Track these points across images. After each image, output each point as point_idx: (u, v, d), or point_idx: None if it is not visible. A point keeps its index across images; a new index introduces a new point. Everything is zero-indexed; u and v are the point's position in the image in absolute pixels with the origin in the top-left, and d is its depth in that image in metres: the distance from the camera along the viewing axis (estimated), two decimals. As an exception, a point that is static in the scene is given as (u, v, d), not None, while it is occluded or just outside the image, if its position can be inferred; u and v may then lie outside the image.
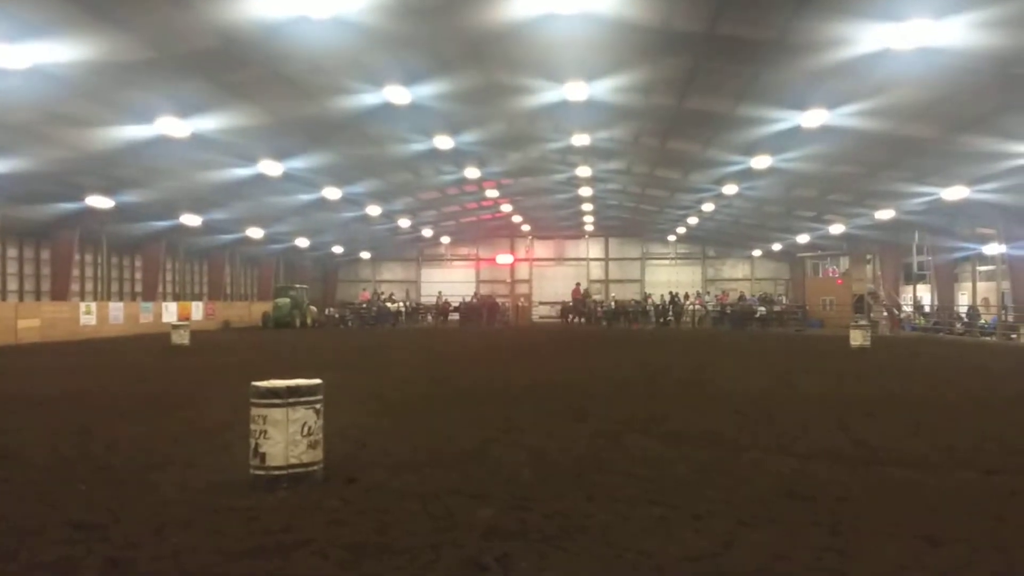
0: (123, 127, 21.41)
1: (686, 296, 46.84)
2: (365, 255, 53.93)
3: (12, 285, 32.07)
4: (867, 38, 14.86)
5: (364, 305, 48.25)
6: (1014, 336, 29.84)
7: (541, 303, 52.17)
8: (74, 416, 9.96)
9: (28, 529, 5.17)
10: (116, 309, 32.92)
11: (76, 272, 33.48)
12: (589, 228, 51.95)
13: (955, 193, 25.95)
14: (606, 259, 54.99)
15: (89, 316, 30.71)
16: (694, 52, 17.22)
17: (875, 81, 17.33)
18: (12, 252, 32.05)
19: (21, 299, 31.69)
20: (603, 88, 20.01)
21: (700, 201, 37.39)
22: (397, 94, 20.20)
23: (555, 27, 15.62)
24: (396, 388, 13.13)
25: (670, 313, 44.20)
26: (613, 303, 46.51)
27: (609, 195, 40.59)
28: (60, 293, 31.20)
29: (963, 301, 38.11)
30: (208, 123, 21.55)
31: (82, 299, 33.48)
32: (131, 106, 20.12)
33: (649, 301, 47.00)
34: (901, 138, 21.77)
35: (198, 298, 41.76)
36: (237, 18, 15.34)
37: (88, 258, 35.32)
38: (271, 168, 27.08)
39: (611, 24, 15.70)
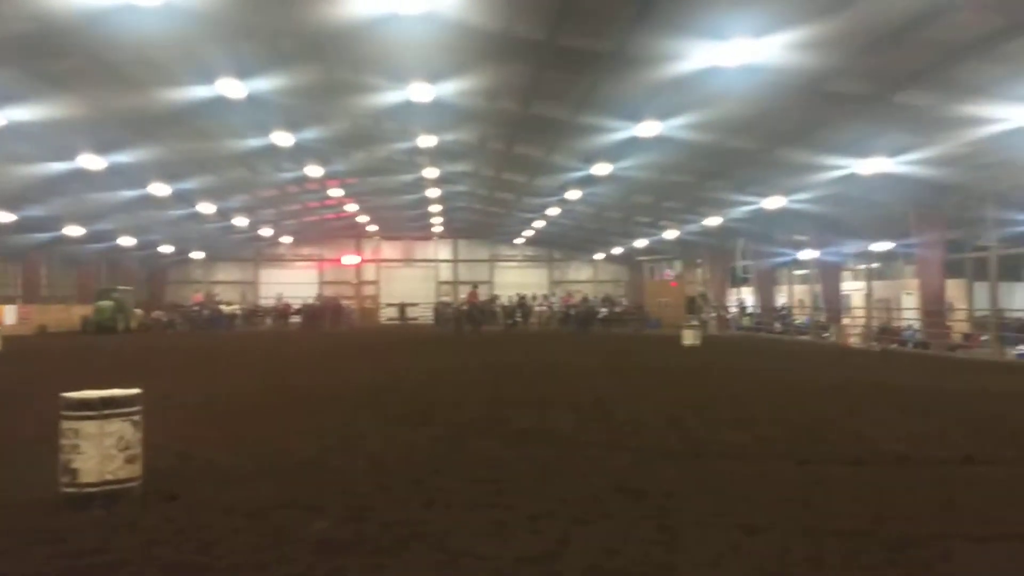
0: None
1: (533, 297, 47.73)
2: (197, 255, 51.12)
3: None
4: (696, 54, 15.66)
5: (196, 308, 45.85)
6: (825, 335, 32.50)
7: (389, 304, 51.55)
8: None
9: None
10: (-89, 314, 29.56)
11: None
12: (438, 229, 51.86)
13: (774, 202, 27.93)
14: (455, 260, 55.14)
15: None
16: (535, 59, 17.52)
17: (703, 95, 18.31)
18: None
19: None
20: (448, 90, 19.98)
21: (545, 205, 38.19)
22: (231, 87, 19.28)
23: (398, 27, 15.43)
24: (226, 396, 12.49)
25: (518, 314, 44.86)
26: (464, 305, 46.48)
27: (457, 197, 40.68)
28: None
29: (782, 303, 41.14)
30: (22, 114, 19.85)
31: None
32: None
33: (497, 303, 47.50)
34: (726, 150, 23.16)
35: (11, 301, 38.17)
36: (55, 2, 14.15)
37: None
38: (93, 162, 25.17)
39: (454, 27, 15.71)
